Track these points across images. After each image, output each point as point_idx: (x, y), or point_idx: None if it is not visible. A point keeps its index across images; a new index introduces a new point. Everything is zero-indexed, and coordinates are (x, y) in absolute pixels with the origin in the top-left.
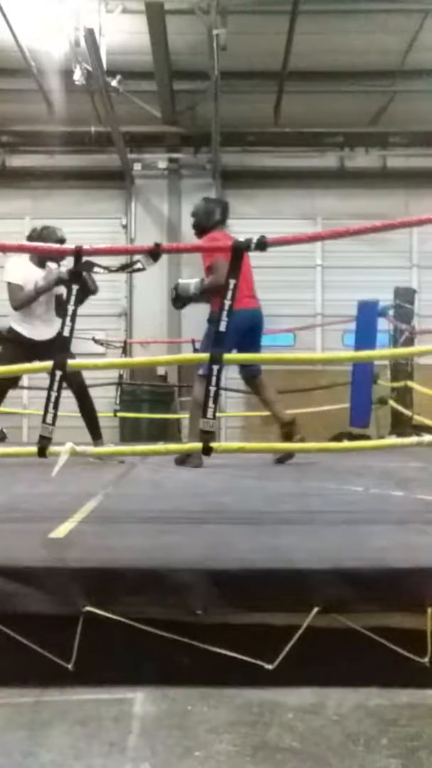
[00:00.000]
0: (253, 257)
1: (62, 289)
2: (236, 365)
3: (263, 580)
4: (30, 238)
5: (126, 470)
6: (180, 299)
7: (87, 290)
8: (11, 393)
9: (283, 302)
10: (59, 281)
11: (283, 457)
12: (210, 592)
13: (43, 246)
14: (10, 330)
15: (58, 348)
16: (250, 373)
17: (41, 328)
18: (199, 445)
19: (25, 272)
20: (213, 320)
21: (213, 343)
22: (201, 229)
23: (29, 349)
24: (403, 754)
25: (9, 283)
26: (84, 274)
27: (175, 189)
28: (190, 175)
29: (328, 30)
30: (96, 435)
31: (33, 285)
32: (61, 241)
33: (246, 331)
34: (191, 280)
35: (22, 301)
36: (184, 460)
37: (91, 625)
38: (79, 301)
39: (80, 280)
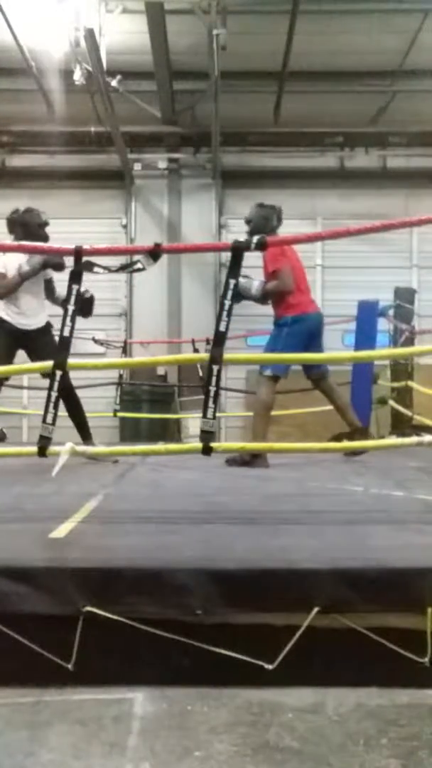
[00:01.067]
0: (253, 257)
1: (51, 273)
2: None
3: (263, 580)
4: (11, 221)
5: (126, 470)
6: (237, 298)
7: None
8: (12, 393)
9: None
10: (45, 265)
11: (351, 454)
12: (210, 592)
13: (43, 246)
14: None
15: (49, 339)
16: (318, 375)
17: (29, 316)
18: (198, 445)
19: (5, 258)
20: (279, 324)
21: (214, 344)
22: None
23: (18, 339)
24: (403, 754)
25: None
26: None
27: (175, 189)
28: (190, 175)
29: (328, 30)
30: (86, 436)
31: (16, 271)
32: (44, 225)
33: (313, 333)
34: (254, 281)
35: (7, 288)
36: (246, 461)
37: (91, 625)
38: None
39: (82, 299)
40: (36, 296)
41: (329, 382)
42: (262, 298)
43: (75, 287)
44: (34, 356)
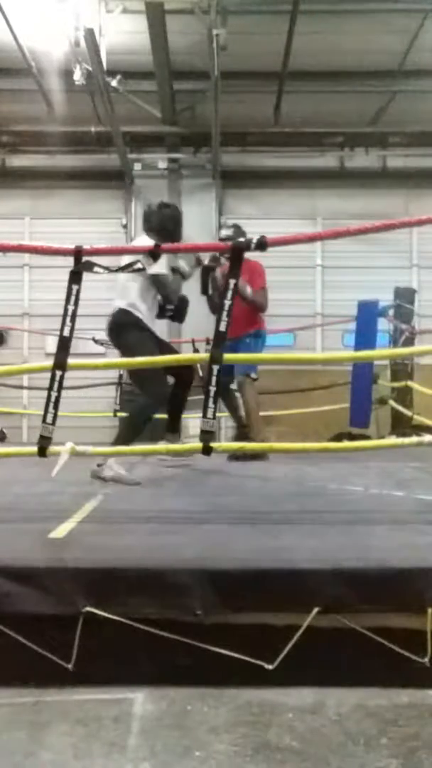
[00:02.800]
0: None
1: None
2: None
3: (263, 580)
4: (159, 215)
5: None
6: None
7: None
8: (12, 393)
9: (283, 302)
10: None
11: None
12: (210, 593)
13: (43, 246)
14: (137, 318)
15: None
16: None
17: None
18: (198, 445)
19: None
20: (257, 334)
21: (214, 344)
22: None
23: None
24: (403, 754)
25: (164, 275)
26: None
27: (175, 189)
28: (190, 175)
29: (328, 30)
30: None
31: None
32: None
33: None
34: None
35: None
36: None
37: (91, 625)
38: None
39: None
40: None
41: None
42: (243, 299)
43: (75, 287)
44: None
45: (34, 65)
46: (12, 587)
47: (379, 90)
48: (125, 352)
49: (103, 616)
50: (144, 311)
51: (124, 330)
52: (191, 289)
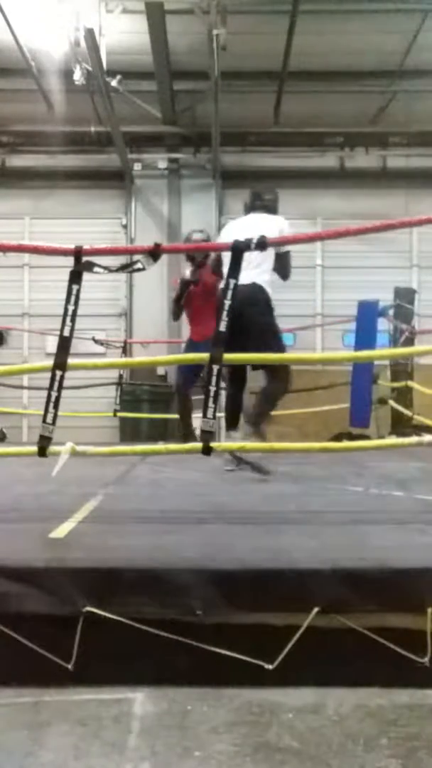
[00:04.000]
0: None
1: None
2: None
3: (263, 580)
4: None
5: (126, 470)
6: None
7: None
8: (12, 393)
9: (283, 302)
10: None
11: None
12: (210, 592)
13: (43, 246)
14: (269, 297)
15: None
16: None
17: None
18: (198, 445)
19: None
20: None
21: (214, 344)
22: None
23: None
24: (403, 754)
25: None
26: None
27: (175, 189)
28: (190, 175)
29: (328, 30)
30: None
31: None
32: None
33: None
34: None
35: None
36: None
37: (91, 625)
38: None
39: None
40: None
41: None
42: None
43: (75, 287)
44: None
45: (34, 65)
46: (12, 587)
47: (379, 90)
48: (259, 330)
49: (103, 616)
50: (271, 291)
51: (258, 306)
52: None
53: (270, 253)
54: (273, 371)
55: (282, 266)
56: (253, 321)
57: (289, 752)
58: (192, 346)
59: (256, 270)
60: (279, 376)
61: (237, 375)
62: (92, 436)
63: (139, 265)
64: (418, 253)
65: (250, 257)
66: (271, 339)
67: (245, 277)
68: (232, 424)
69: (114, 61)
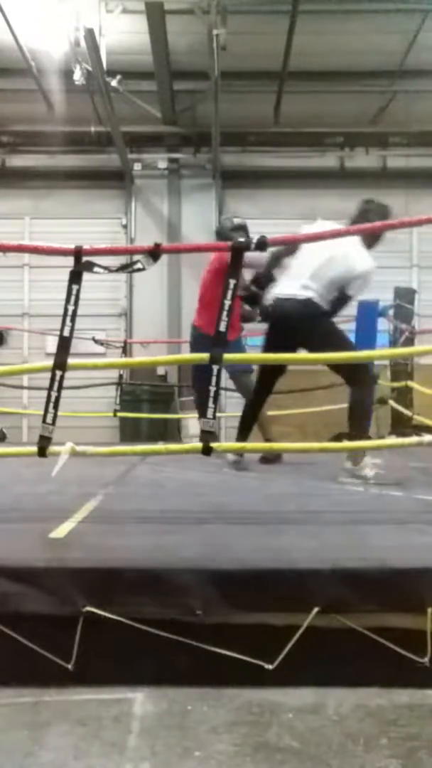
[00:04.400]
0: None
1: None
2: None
3: (263, 580)
4: (368, 211)
5: (126, 470)
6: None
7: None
8: (12, 393)
9: None
10: None
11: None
12: (210, 592)
13: (43, 246)
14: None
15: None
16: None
17: None
18: (198, 445)
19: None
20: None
21: (214, 344)
22: None
23: None
24: (403, 754)
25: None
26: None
27: (175, 189)
28: (190, 175)
29: (328, 30)
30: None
31: None
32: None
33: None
34: None
35: None
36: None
37: (91, 625)
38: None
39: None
40: None
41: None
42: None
43: (75, 287)
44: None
45: (34, 65)
46: (12, 587)
47: (379, 90)
48: (319, 339)
49: (103, 616)
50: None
51: (311, 320)
52: (192, 289)
53: (333, 267)
54: (347, 372)
55: (337, 301)
56: (313, 334)
57: (289, 752)
58: (200, 341)
59: (312, 279)
60: (356, 377)
61: (266, 384)
62: (92, 436)
63: (139, 265)
64: (418, 253)
65: (299, 265)
66: (337, 340)
67: (297, 290)
68: (242, 432)
69: (114, 61)
